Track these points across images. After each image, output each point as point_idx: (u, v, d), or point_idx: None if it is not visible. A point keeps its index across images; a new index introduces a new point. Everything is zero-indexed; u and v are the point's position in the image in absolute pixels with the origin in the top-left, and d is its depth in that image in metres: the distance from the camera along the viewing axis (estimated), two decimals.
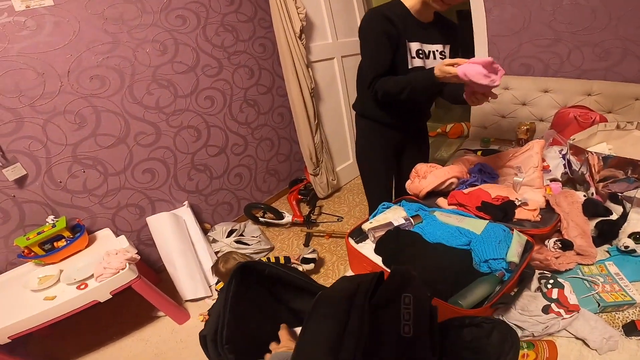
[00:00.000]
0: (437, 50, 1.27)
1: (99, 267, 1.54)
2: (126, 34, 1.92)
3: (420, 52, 1.24)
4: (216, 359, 0.57)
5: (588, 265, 0.96)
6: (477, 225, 1.03)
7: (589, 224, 1.06)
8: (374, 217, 1.24)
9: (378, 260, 1.03)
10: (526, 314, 0.78)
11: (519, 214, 1.09)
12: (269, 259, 1.87)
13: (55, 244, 1.73)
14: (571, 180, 1.35)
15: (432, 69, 1.08)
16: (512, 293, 0.84)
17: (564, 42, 1.77)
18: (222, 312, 0.60)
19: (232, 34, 2.37)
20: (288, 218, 2.43)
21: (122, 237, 1.87)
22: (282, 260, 1.91)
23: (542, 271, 0.95)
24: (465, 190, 1.24)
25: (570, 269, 0.95)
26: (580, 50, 1.76)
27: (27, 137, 1.74)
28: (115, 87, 1.94)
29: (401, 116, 1.39)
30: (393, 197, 1.67)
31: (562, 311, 0.76)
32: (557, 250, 0.99)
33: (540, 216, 1.07)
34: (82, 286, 1.52)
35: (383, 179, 1.57)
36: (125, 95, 1.97)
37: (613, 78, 1.72)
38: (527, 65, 1.93)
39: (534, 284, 0.89)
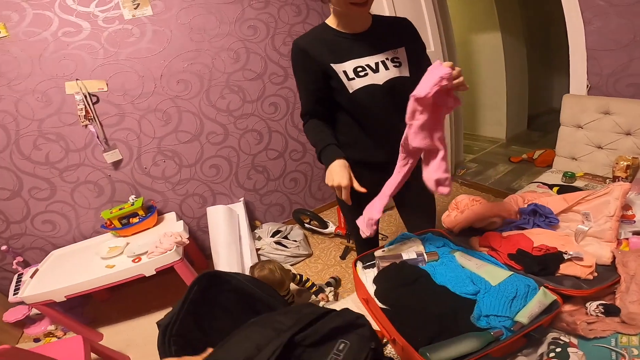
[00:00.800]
0: (387, 59, 1.03)
1: (153, 245, 1.79)
2: (207, 42, 2.18)
3: (360, 69, 1.02)
4: (161, 348, 0.61)
5: (629, 335, 0.77)
6: (496, 275, 0.87)
7: None
8: (389, 245, 1.16)
9: (372, 289, 0.96)
10: None
11: (566, 269, 0.88)
12: (301, 276, 1.86)
13: (130, 219, 2.07)
14: None
15: (332, 152, 1.02)
16: (500, 356, 0.70)
17: None
18: (178, 309, 0.64)
19: None
20: (331, 228, 2.43)
21: (181, 222, 2.13)
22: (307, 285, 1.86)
23: (555, 337, 0.77)
24: (505, 233, 1.06)
25: (602, 337, 0.76)
26: None
27: (126, 128, 2.13)
28: (195, 91, 2.22)
29: (368, 149, 1.14)
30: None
31: None
32: (598, 315, 0.80)
33: (595, 274, 0.86)
34: (137, 260, 1.78)
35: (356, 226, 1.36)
36: (202, 98, 2.25)
37: None
38: (636, 85, 1.54)
39: (542, 348, 0.74)
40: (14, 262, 2.09)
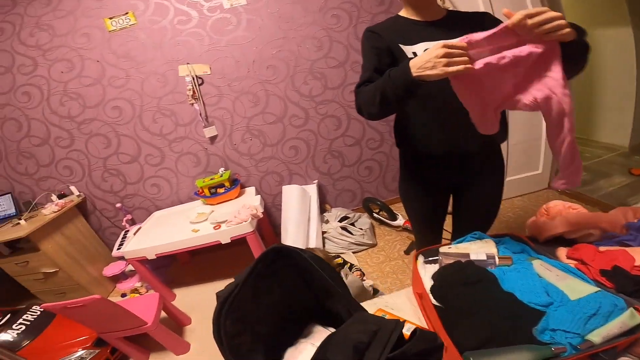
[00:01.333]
0: None
1: (232, 215, 1.99)
2: (293, 30, 2.30)
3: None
4: (216, 321, 0.58)
5: None
6: (578, 289, 0.76)
7: None
8: (457, 243, 1.09)
9: (428, 285, 0.92)
10: None
11: None
12: (352, 265, 1.84)
13: (217, 189, 2.34)
14: None
15: (400, 65, 0.79)
16: None
17: None
18: (240, 283, 0.62)
19: None
20: (400, 221, 2.36)
21: (258, 197, 2.33)
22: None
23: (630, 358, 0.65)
24: (602, 248, 0.91)
25: None
26: None
27: (223, 108, 2.40)
28: (282, 76, 2.38)
29: (431, 140, 1.02)
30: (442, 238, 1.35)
31: None
32: None
33: None
34: (217, 227, 1.99)
35: (421, 221, 1.28)
36: (288, 83, 2.40)
37: None
38: None
39: None
40: (124, 219, 2.53)
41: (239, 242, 2.01)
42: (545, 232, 1.04)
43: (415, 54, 0.95)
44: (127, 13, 2.17)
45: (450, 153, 1.04)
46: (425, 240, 1.33)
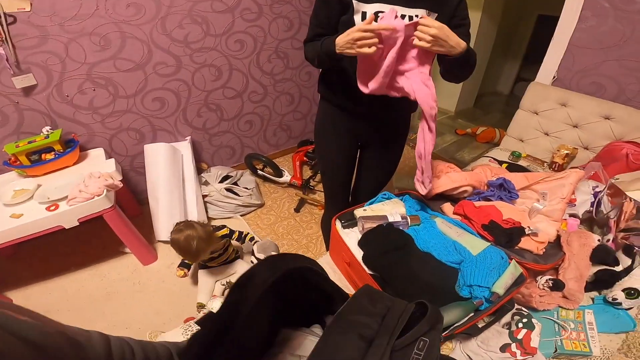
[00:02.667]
0: (416, 16, 0.92)
1: (75, 189, 1.47)
2: None
3: (382, 15, 0.88)
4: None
5: (568, 309, 0.93)
6: (476, 245, 0.92)
7: (590, 269, 1.00)
8: (370, 204, 1.14)
9: (358, 254, 0.93)
10: (483, 347, 0.75)
11: (524, 243, 0.98)
12: (240, 233, 1.72)
13: (43, 155, 1.67)
14: (590, 221, 1.22)
15: (331, 38, 0.90)
16: (480, 325, 0.77)
17: None
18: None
19: None
20: (287, 177, 2.34)
21: (112, 161, 1.80)
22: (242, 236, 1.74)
23: (518, 308, 0.89)
24: (477, 203, 1.11)
25: (547, 310, 0.92)
26: None
27: (47, 52, 1.64)
28: (149, 17, 1.79)
29: (351, 98, 1.08)
30: (350, 194, 1.44)
31: (518, 352, 0.75)
32: (546, 289, 0.93)
33: (544, 250, 0.97)
34: (53, 207, 1.45)
35: (337, 171, 1.33)
36: (156, 25, 1.83)
37: None
38: (598, 84, 1.69)
39: (505, 318, 0.85)
40: None
41: (91, 220, 1.53)
42: (434, 190, 1.17)
43: (364, 15, 0.93)
44: None
45: (364, 112, 1.13)
46: (336, 193, 1.38)
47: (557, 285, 0.92)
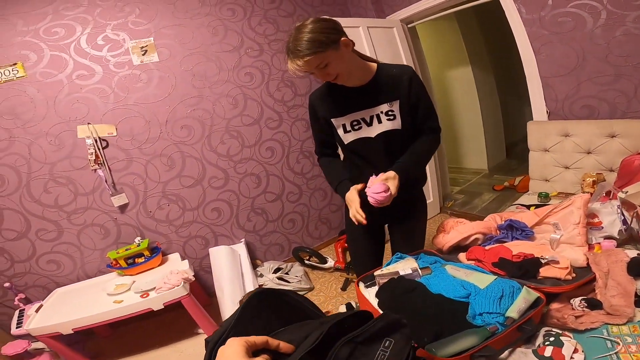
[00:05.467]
0: (381, 112, 1.15)
1: (160, 281, 1.85)
2: (208, 89, 2.35)
3: (356, 122, 1.17)
4: None
5: (618, 325, 0.87)
6: (483, 280, 0.99)
7: (635, 283, 0.94)
8: (387, 266, 1.28)
9: (375, 302, 1.06)
10: None
11: (546, 272, 1.02)
12: None
13: (136, 259, 2.13)
14: (632, 239, 1.18)
15: (345, 187, 1.18)
16: (499, 348, 0.80)
17: (627, 77, 1.57)
18: (227, 329, 0.63)
19: (291, 89, 2.68)
20: (331, 263, 2.51)
21: (186, 262, 2.19)
22: None
23: (548, 329, 0.88)
24: (487, 247, 1.20)
25: (593, 329, 0.87)
26: None
27: (133, 173, 2.24)
28: (198, 136, 2.38)
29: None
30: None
31: None
32: (584, 309, 0.91)
33: (573, 275, 1.00)
34: (144, 295, 1.83)
35: (360, 253, 1.47)
36: (204, 143, 2.41)
37: None
38: (589, 107, 1.73)
39: (538, 340, 0.84)
40: (16, 298, 2.07)
41: (170, 308, 1.88)
42: (447, 244, 1.30)
43: (344, 126, 1.19)
44: (15, 64, 1.92)
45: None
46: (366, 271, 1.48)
47: (593, 304, 0.91)
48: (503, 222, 1.29)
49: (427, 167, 2.80)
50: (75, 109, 2.07)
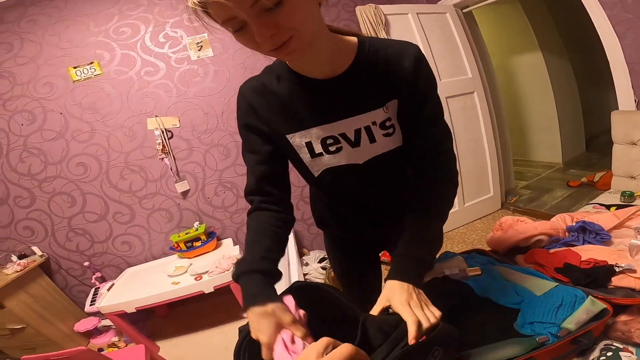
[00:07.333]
0: (373, 123, 0.67)
1: (213, 265, 1.98)
2: None
3: (331, 140, 0.69)
4: (237, 354, 0.60)
5: None
6: (540, 286, 0.89)
7: None
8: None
9: None
10: None
11: (620, 281, 0.88)
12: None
13: (194, 243, 2.31)
14: None
15: (248, 292, 0.62)
16: None
17: None
18: None
19: None
20: None
21: (237, 247, 2.32)
22: None
23: (608, 343, 0.77)
24: (552, 250, 1.07)
25: None
26: None
27: (193, 162, 2.43)
28: None
29: (339, 228, 0.92)
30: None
31: None
32: None
33: None
34: (198, 278, 1.97)
35: (353, 289, 1.12)
36: None
37: None
38: None
39: (594, 354, 0.75)
40: (93, 277, 2.39)
41: (219, 293, 1.99)
42: (503, 244, 1.18)
43: (310, 148, 0.70)
44: (92, 63, 2.17)
45: (364, 230, 0.92)
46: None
47: None
48: (574, 224, 1.13)
49: (487, 156, 2.66)
50: (144, 103, 2.30)
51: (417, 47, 0.66)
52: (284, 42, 0.51)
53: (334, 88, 0.65)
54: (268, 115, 0.68)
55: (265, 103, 0.68)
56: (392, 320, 0.58)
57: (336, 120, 0.67)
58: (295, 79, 0.66)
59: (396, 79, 0.65)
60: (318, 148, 0.70)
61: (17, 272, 2.09)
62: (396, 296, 0.59)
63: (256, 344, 0.58)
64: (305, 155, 0.72)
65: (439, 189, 0.74)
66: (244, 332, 0.62)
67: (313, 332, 0.59)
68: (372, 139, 0.69)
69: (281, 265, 2.11)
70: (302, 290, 0.70)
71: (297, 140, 0.69)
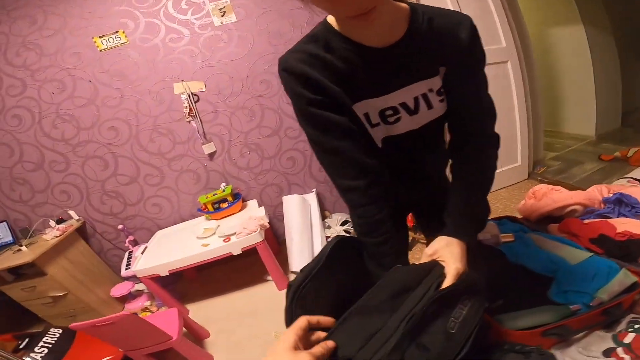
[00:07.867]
0: (430, 90, 0.69)
1: (240, 227, 2.06)
2: (282, 45, 2.39)
3: (390, 112, 0.69)
4: (288, 310, 0.60)
5: None
6: (574, 255, 0.90)
7: None
8: None
9: None
10: (584, 353, 0.69)
11: None
12: None
13: (221, 204, 2.40)
14: None
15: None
16: (576, 329, 0.74)
17: None
18: (313, 271, 0.62)
19: None
20: None
21: (262, 209, 2.40)
22: None
23: (635, 316, 0.79)
24: (586, 221, 1.07)
25: None
26: None
27: (220, 124, 2.47)
28: (275, 90, 2.47)
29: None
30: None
31: (627, 357, 0.65)
32: None
33: None
34: (226, 239, 2.06)
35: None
36: (281, 96, 2.50)
37: None
38: None
39: (620, 326, 0.76)
40: (127, 240, 2.52)
41: (245, 254, 2.08)
42: (535, 212, 1.18)
43: (367, 116, 0.69)
44: (117, 32, 2.19)
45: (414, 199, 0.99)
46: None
47: None
48: (611, 195, 1.12)
49: (517, 125, 2.58)
50: (170, 68, 2.32)
51: (470, 18, 0.67)
52: (374, 6, 0.50)
53: (392, 56, 0.64)
54: (330, 87, 0.63)
55: (321, 74, 0.62)
56: (426, 265, 0.64)
57: (396, 89, 0.67)
58: (350, 47, 0.63)
59: (451, 48, 0.65)
60: (375, 119, 0.70)
61: (57, 237, 2.19)
62: (451, 249, 0.68)
63: (307, 298, 0.62)
64: (366, 125, 0.71)
65: (486, 155, 0.78)
66: (293, 287, 0.63)
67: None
68: (429, 106, 0.71)
69: (305, 227, 2.11)
70: (350, 246, 0.73)
71: (359, 109, 0.68)
